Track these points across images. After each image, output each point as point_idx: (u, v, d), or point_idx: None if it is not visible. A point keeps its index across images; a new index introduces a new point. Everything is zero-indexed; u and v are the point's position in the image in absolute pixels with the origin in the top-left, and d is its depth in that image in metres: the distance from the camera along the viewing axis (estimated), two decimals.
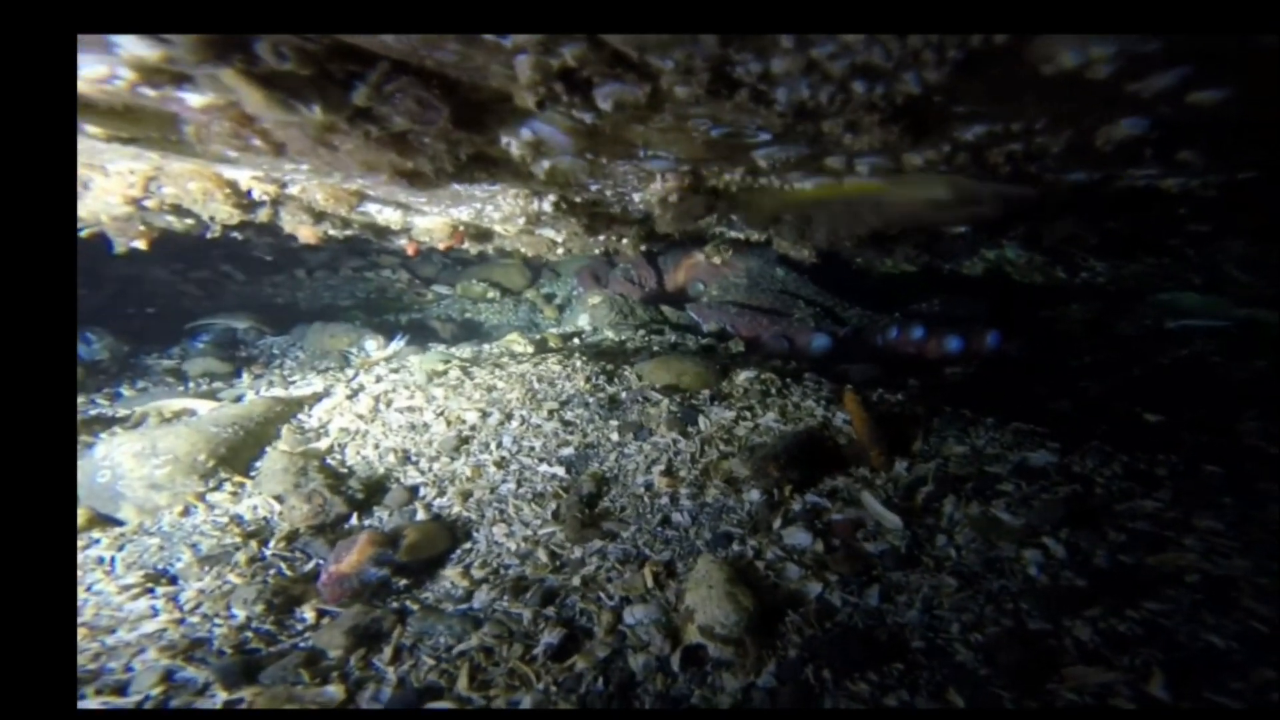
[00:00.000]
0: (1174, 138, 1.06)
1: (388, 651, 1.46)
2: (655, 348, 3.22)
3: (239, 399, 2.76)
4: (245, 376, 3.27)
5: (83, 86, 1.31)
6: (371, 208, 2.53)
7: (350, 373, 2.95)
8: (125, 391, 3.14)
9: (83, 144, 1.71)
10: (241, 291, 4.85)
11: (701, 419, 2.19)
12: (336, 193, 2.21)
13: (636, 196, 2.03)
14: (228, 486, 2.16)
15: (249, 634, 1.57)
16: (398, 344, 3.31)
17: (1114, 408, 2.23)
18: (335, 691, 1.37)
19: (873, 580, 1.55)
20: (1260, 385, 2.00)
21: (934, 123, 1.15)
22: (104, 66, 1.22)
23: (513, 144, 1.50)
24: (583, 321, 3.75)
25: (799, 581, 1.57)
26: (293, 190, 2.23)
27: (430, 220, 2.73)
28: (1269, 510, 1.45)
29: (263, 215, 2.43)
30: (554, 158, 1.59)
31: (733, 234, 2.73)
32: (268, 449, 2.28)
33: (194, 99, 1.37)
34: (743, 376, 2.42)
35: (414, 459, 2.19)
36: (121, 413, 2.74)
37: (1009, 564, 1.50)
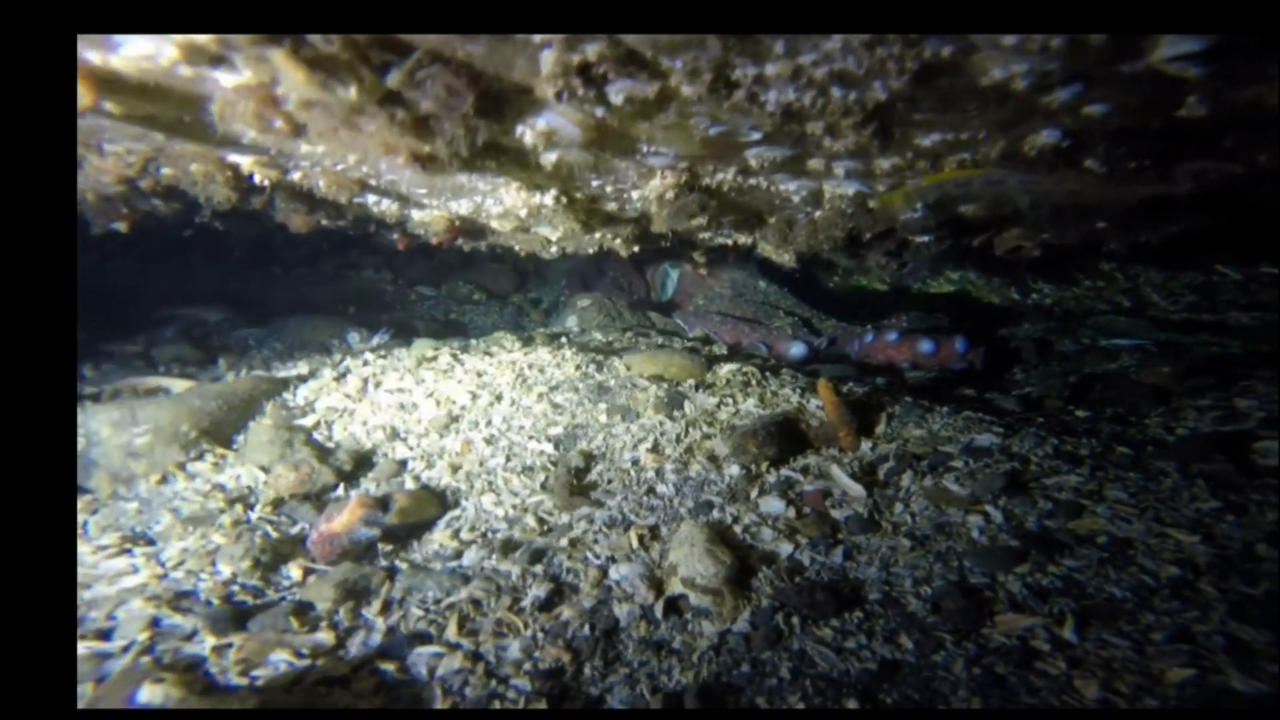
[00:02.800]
0: (1079, 146, 1.31)
1: (376, 604, 1.52)
2: (643, 347, 3.37)
3: (217, 380, 2.76)
4: (221, 363, 3.25)
5: (118, 63, 1.35)
6: (370, 198, 2.55)
7: (337, 357, 2.99)
8: (87, 373, 3.08)
9: (84, 122, 1.72)
10: (213, 285, 4.79)
11: (687, 404, 2.34)
12: (340, 179, 2.26)
13: (634, 194, 2.17)
14: (209, 457, 2.17)
15: (235, 588, 1.61)
16: (381, 337, 3.36)
17: (1050, 405, 2.51)
18: (325, 638, 1.43)
19: (838, 542, 1.71)
20: (1164, 390, 2.30)
21: (898, 128, 1.36)
22: (150, 44, 1.27)
23: (527, 133, 1.59)
24: (571, 323, 3.87)
25: (772, 542, 1.71)
26: (294, 176, 2.28)
27: (428, 213, 2.76)
28: (1162, 483, 1.71)
29: (258, 202, 2.47)
30: (563, 149, 1.70)
31: (720, 240, 2.91)
32: (250, 423, 2.31)
33: (228, 79, 1.43)
34: (726, 369, 2.59)
35: (403, 435, 2.26)
36: (89, 390, 2.70)
37: (955, 528, 1.68)
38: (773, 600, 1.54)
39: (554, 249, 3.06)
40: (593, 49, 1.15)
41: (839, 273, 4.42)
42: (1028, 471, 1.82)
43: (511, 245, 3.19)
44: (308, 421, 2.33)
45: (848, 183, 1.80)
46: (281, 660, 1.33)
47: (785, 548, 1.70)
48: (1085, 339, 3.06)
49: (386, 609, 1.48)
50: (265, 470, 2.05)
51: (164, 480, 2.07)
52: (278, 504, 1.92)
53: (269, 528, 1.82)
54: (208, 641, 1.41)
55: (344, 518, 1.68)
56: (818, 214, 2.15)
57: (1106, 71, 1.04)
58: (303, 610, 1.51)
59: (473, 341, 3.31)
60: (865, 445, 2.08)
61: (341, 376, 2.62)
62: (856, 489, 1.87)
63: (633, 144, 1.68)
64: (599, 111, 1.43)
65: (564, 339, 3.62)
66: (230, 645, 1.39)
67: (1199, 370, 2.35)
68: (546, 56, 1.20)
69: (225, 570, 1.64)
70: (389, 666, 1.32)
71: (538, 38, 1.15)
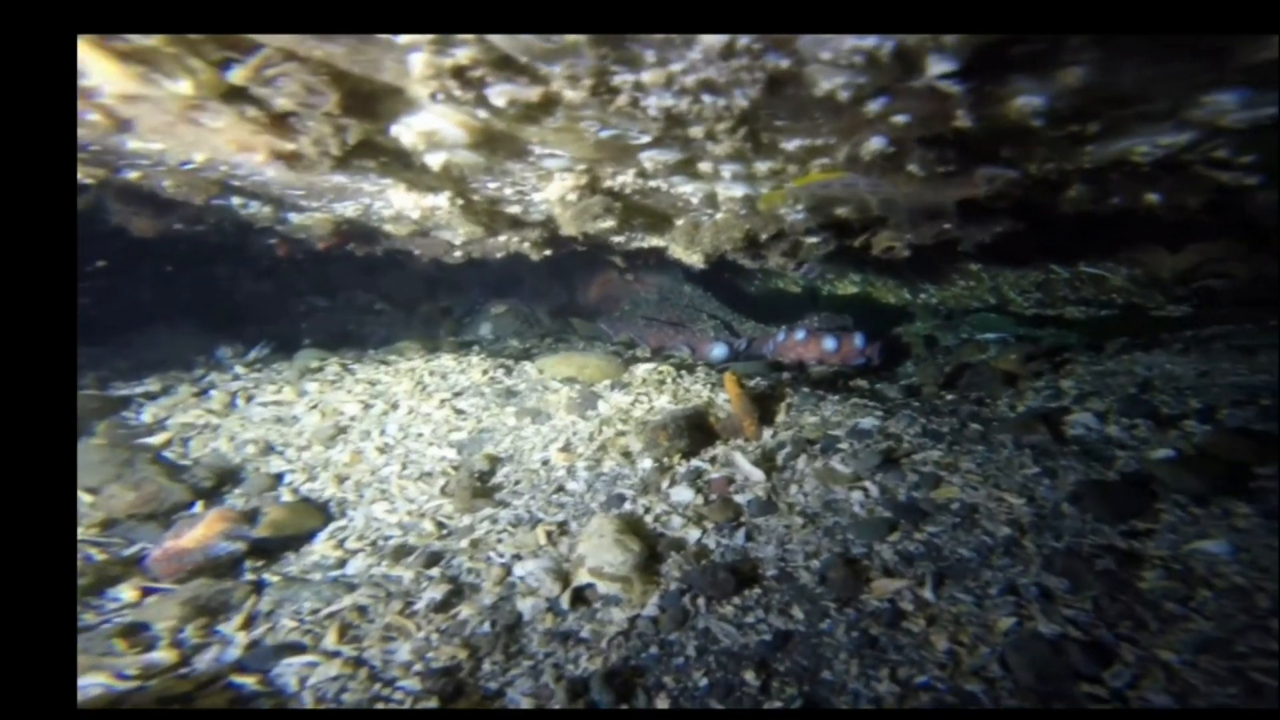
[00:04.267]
0: (901, 152, 1.56)
1: (237, 619, 1.40)
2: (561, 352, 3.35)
3: None
4: None
5: None
6: (235, 200, 2.38)
7: (199, 373, 2.69)
8: None
9: None
10: None
11: (601, 403, 2.37)
12: (191, 180, 2.08)
13: (537, 196, 2.20)
14: None
15: None
16: (260, 352, 3.08)
17: (927, 391, 2.85)
18: (163, 657, 1.31)
19: (740, 525, 1.81)
20: (1013, 375, 2.71)
21: (765, 134, 1.54)
22: None
23: (404, 133, 1.57)
24: (485, 331, 3.78)
25: (681, 529, 1.78)
26: (129, 176, 2.07)
27: (308, 216, 2.61)
28: (1000, 454, 2.00)
29: (81, 203, 2.21)
30: (448, 150, 1.69)
31: (636, 243, 3.02)
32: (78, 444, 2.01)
33: None
34: (642, 368, 2.67)
35: (279, 449, 2.09)
36: None
37: (840, 504, 1.85)
38: (680, 583, 1.59)
39: (458, 253, 3.01)
40: (463, 52, 1.17)
41: (759, 277, 4.73)
42: (900, 449, 2.05)
43: (411, 250, 3.09)
44: (155, 440, 2.09)
45: (735, 185, 1.98)
46: (94, 684, 1.16)
47: (693, 533, 1.77)
48: (964, 334, 3.53)
49: (250, 623, 1.35)
50: (93, 492, 1.80)
51: None
52: (107, 525, 1.70)
53: (93, 550, 1.60)
54: None
55: (197, 533, 1.52)
56: (719, 216, 2.33)
57: (901, 86, 1.25)
58: (134, 631, 1.36)
59: (370, 352, 3.12)
60: (767, 434, 2.23)
61: (203, 392, 2.38)
62: (757, 474, 1.99)
63: (524, 146, 1.72)
64: (481, 113, 1.45)
65: (476, 347, 3.53)
66: None
67: (1038, 357, 2.79)
68: (415, 59, 1.21)
69: None
70: (247, 680, 1.20)
71: (401, 39, 1.15)
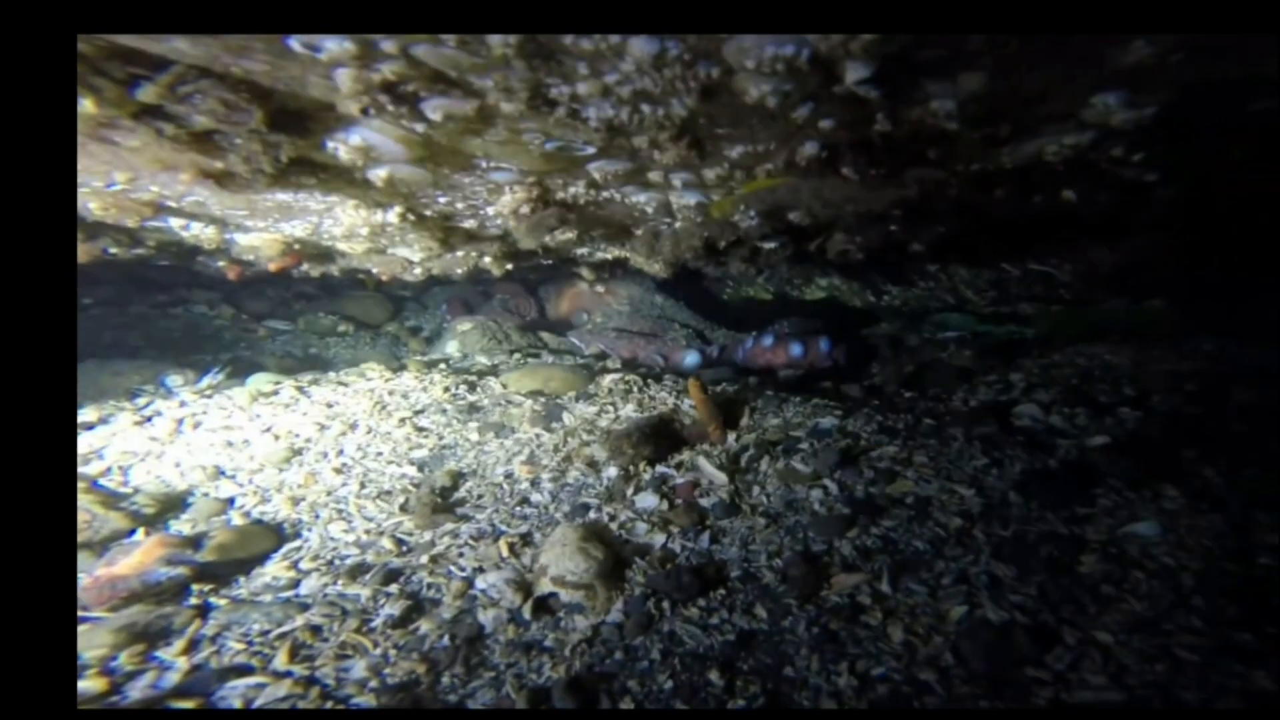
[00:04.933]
0: (834, 156, 1.64)
1: (178, 644, 1.37)
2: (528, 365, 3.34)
3: None
4: None
5: None
6: (173, 222, 2.31)
7: (142, 401, 2.60)
8: None
9: None
10: None
11: (565, 415, 2.39)
12: (119, 201, 2.01)
13: (490, 210, 2.22)
14: None
15: None
16: (212, 378, 2.99)
17: (888, 390, 2.95)
18: (89, 686, 1.24)
19: (705, 528, 1.84)
20: (969, 370, 2.83)
21: (709, 142, 1.60)
22: None
23: (340, 149, 1.56)
24: (452, 349, 3.72)
25: (646, 535, 1.80)
26: None
27: (255, 237, 2.54)
28: (952, 447, 2.10)
29: None
30: (389, 165, 1.69)
31: (600, 255, 3.05)
32: None
33: None
34: (608, 379, 2.69)
35: (229, 473, 2.04)
36: None
37: (801, 502, 1.90)
38: (645, 588, 1.61)
39: (418, 270, 2.99)
40: (389, 67, 1.19)
41: (730, 285, 4.81)
42: (858, 446, 2.12)
43: (369, 268, 3.06)
44: (91, 469, 2.01)
45: (687, 193, 2.04)
46: None
47: (658, 539, 1.79)
48: (926, 333, 3.67)
49: (192, 648, 1.31)
50: None
51: None
52: None
53: None
54: None
55: (133, 560, 1.48)
56: (677, 225, 2.39)
57: (824, 92, 1.32)
58: None
59: (329, 374, 3.07)
60: (731, 438, 2.28)
61: (146, 420, 2.30)
62: (720, 477, 2.03)
63: (470, 160, 1.73)
64: (419, 127, 1.46)
65: (442, 365, 3.49)
66: None
67: (991, 352, 2.92)
68: (342, 74, 1.21)
69: None
70: (186, 704, 1.15)
71: (323, 55, 1.16)
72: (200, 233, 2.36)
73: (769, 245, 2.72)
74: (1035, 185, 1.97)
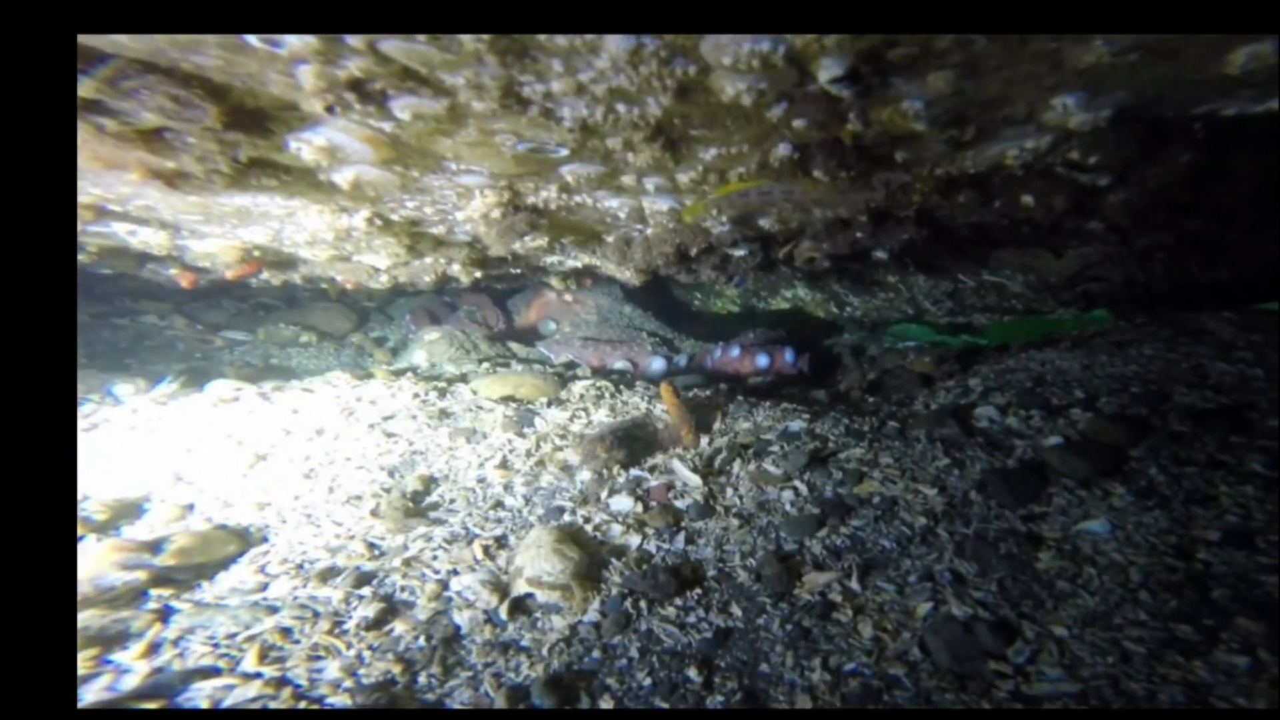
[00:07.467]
0: (806, 158, 1.72)
1: (137, 648, 1.34)
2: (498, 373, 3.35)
3: None
4: None
5: None
6: (118, 227, 2.21)
7: (86, 409, 2.52)
8: None
9: None
10: None
11: (538, 420, 2.41)
12: None
13: (459, 215, 2.23)
14: None
15: None
16: (166, 386, 2.90)
17: (853, 395, 3.07)
18: None
19: (680, 529, 1.89)
20: (929, 376, 2.98)
21: (682, 144, 1.65)
22: None
23: (303, 149, 1.52)
24: (418, 358, 3.69)
25: (622, 537, 1.84)
26: None
27: (211, 243, 2.46)
28: (915, 448, 2.21)
29: None
30: (355, 166, 1.66)
31: (570, 263, 3.09)
32: None
33: None
34: (580, 385, 2.73)
35: (188, 480, 1.99)
36: None
37: (772, 503, 1.98)
38: (621, 588, 1.65)
39: (384, 278, 2.98)
40: (355, 64, 1.17)
41: (698, 297, 4.93)
42: (826, 448, 2.22)
43: (333, 276, 3.04)
44: None
45: (660, 198, 2.12)
46: None
47: (634, 540, 1.83)
48: (887, 343, 3.84)
49: (152, 651, 1.29)
50: None
51: None
52: None
53: None
54: None
55: (83, 565, 1.43)
56: (649, 231, 2.45)
57: (798, 91, 1.38)
58: None
59: (293, 381, 3.01)
60: (704, 441, 2.35)
61: (93, 428, 2.24)
62: (694, 480, 2.10)
63: (439, 162, 1.73)
64: (387, 127, 1.45)
65: (410, 373, 3.47)
66: None
67: (949, 359, 3.09)
68: (304, 71, 1.19)
69: None
70: (149, 706, 1.14)
71: (283, 50, 1.13)
72: (150, 238, 2.27)
73: (739, 252, 2.83)
74: (995, 190, 2.11)
